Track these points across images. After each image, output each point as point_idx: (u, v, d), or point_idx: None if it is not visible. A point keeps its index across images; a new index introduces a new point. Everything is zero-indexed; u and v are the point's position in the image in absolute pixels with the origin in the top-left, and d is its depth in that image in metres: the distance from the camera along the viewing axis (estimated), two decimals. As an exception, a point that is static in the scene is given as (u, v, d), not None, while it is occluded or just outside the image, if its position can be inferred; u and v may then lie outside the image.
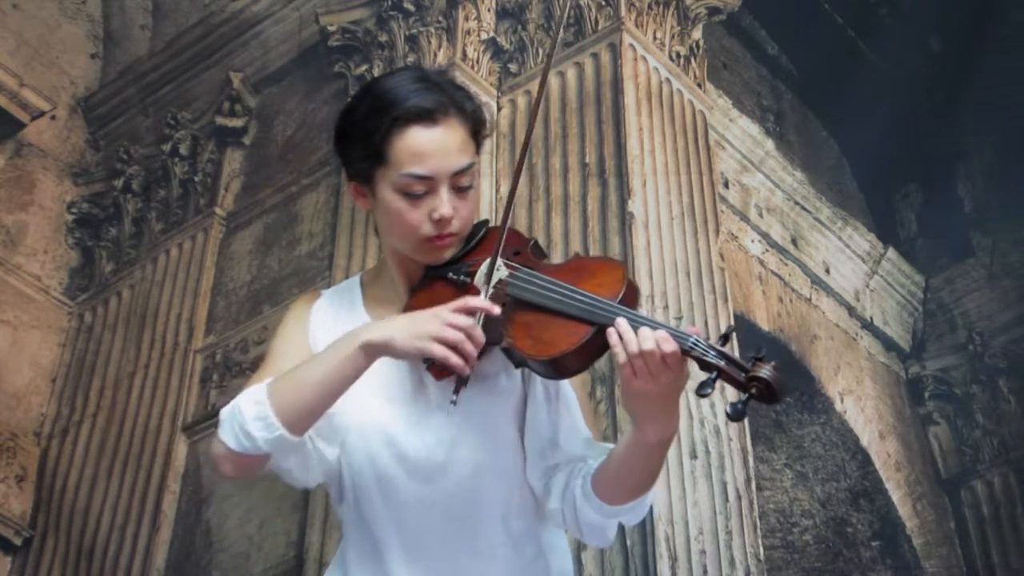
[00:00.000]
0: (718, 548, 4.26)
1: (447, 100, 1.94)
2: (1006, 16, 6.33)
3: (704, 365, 1.76)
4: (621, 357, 1.77)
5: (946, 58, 6.58)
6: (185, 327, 5.53)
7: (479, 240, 2.01)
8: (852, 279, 6.40)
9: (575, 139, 4.99)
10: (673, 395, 1.80)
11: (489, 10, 5.47)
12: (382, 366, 1.99)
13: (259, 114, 6.06)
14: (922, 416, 6.41)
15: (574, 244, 4.70)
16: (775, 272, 5.86)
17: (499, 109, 5.17)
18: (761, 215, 5.91)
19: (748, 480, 4.53)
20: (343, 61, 5.65)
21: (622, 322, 1.78)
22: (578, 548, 3.89)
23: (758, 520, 4.53)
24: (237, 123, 6.02)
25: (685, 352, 1.76)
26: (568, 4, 4.80)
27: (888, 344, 6.50)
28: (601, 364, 1.94)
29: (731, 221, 5.61)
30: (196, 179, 5.97)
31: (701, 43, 5.60)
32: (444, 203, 1.92)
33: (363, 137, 1.94)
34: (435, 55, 5.32)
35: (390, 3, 5.53)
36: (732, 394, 1.79)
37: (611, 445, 1.96)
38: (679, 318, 4.55)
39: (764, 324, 5.57)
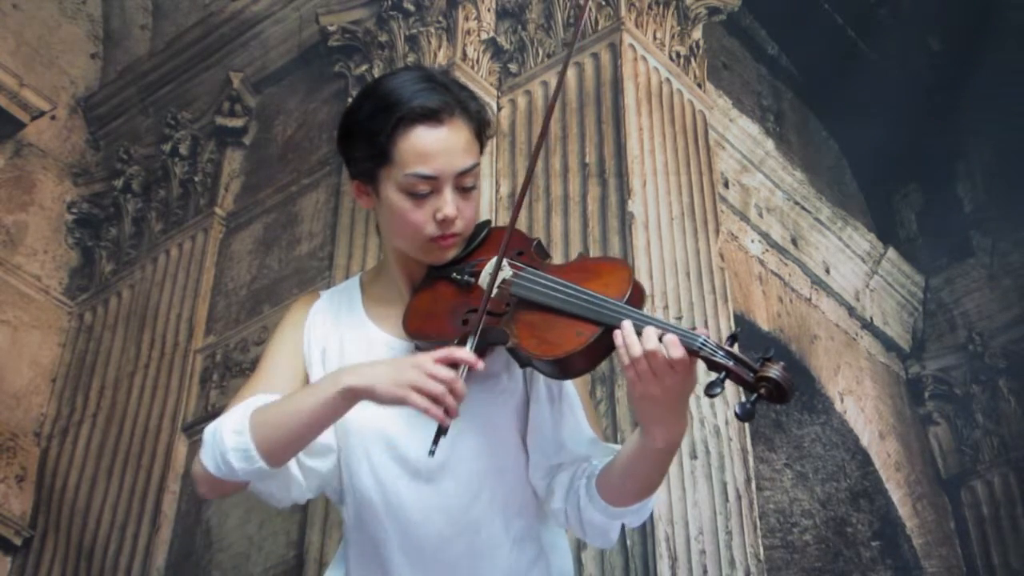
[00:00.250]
0: (718, 548, 4.26)
1: (452, 100, 1.94)
2: (1006, 16, 6.32)
3: (712, 365, 1.76)
4: (624, 360, 1.76)
5: (946, 58, 6.58)
6: (185, 327, 5.53)
7: (482, 240, 2.01)
8: (852, 279, 6.39)
9: (575, 139, 4.99)
10: (681, 399, 1.80)
11: (489, 10, 5.47)
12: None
13: (259, 114, 6.06)
14: (922, 416, 6.41)
15: (574, 244, 4.70)
16: (775, 272, 5.86)
17: (499, 109, 5.17)
18: (761, 215, 5.91)
19: (748, 480, 4.53)
20: (343, 61, 5.65)
21: (626, 324, 1.77)
22: (578, 548, 3.89)
23: (758, 520, 4.53)
24: (237, 123, 6.02)
25: (693, 352, 1.76)
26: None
27: (888, 344, 6.49)
28: (601, 364, 1.93)
29: (731, 221, 5.61)
30: (196, 179, 5.97)
31: (701, 43, 5.60)
32: (448, 203, 1.92)
33: (368, 136, 1.94)
34: (435, 55, 5.32)
35: (390, 3, 5.53)
36: (733, 395, 1.79)
37: (616, 446, 1.95)
38: (679, 318, 4.55)
39: (764, 324, 5.57)
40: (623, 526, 2.01)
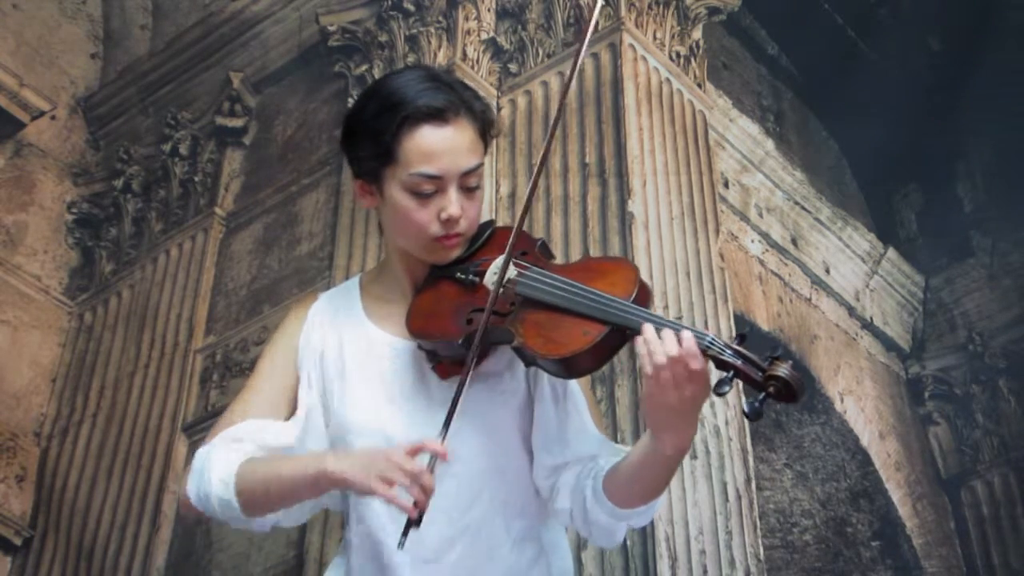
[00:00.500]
0: (718, 548, 4.26)
1: (457, 100, 1.94)
2: (1006, 16, 6.32)
3: (721, 364, 1.76)
4: (648, 369, 1.75)
5: (946, 58, 6.57)
6: (185, 327, 5.53)
7: (485, 240, 2.00)
8: (852, 279, 6.39)
9: (575, 139, 4.98)
10: (695, 407, 1.79)
11: (489, 10, 5.47)
12: (382, 367, 1.99)
13: (259, 114, 6.06)
14: (922, 416, 6.41)
15: (574, 244, 4.70)
16: (775, 272, 5.86)
17: (499, 109, 5.16)
18: (761, 215, 5.91)
19: (748, 480, 4.53)
20: (343, 61, 5.65)
21: (649, 329, 1.76)
22: (578, 548, 3.89)
23: (758, 520, 4.53)
24: (237, 123, 6.02)
25: (702, 351, 1.75)
26: None
27: (888, 344, 6.50)
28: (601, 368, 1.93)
29: (731, 221, 5.61)
30: (196, 179, 5.97)
31: (701, 43, 5.60)
32: (453, 203, 1.92)
33: (372, 135, 1.94)
34: (435, 55, 5.32)
35: (390, 3, 5.53)
36: (733, 396, 1.78)
37: (623, 447, 1.95)
38: (679, 318, 4.55)
39: (764, 324, 5.57)
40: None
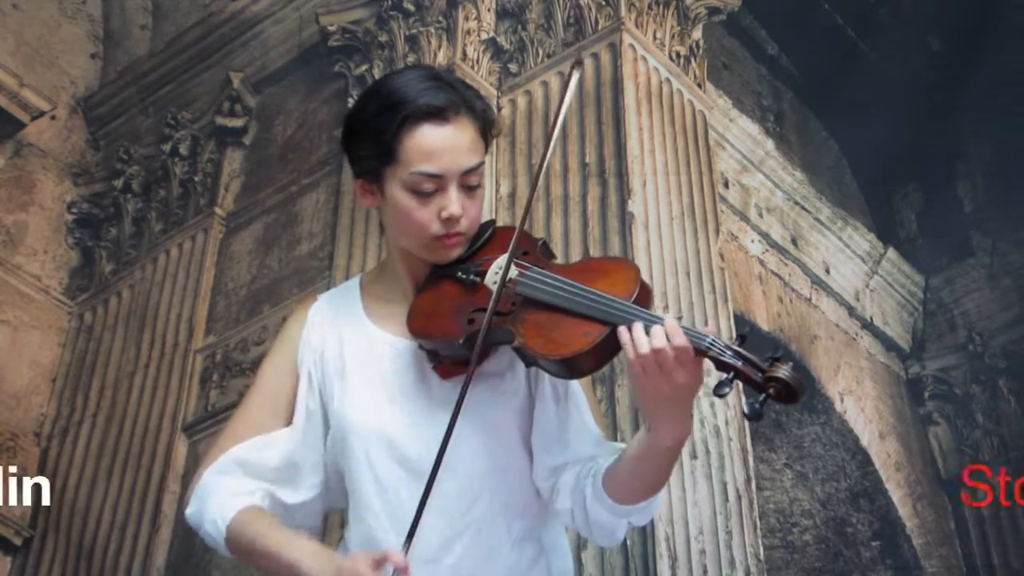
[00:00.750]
0: (718, 548, 4.26)
1: (458, 99, 1.93)
2: (1006, 16, 6.33)
3: (721, 365, 1.75)
4: (631, 355, 1.76)
5: (946, 58, 6.58)
6: (185, 327, 5.53)
7: (486, 240, 2.00)
8: (852, 279, 6.40)
9: (575, 139, 4.98)
10: (687, 396, 1.79)
11: (489, 10, 5.47)
12: (382, 367, 1.99)
13: (259, 114, 6.06)
14: (922, 416, 6.41)
15: (574, 244, 4.70)
16: (775, 272, 5.86)
17: (499, 109, 5.16)
18: (761, 215, 5.91)
19: (748, 480, 4.53)
20: (343, 61, 5.65)
21: (635, 324, 1.78)
22: (578, 548, 3.89)
23: (758, 520, 4.53)
24: (237, 123, 6.02)
25: (702, 352, 1.75)
26: None
27: (888, 344, 6.50)
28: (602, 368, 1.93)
29: (731, 221, 5.61)
30: (196, 179, 5.97)
31: (701, 43, 5.60)
32: (453, 202, 1.91)
33: (373, 135, 1.93)
34: (435, 55, 5.32)
35: (390, 3, 5.53)
36: (733, 396, 1.78)
37: (622, 445, 1.95)
38: (679, 317, 4.53)
39: (764, 324, 5.57)
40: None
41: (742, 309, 5.38)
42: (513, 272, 1.90)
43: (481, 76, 5.26)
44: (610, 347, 1.80)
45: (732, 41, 6.50)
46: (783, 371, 1.72)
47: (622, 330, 1.77)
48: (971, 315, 6.53)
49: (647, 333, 1.76)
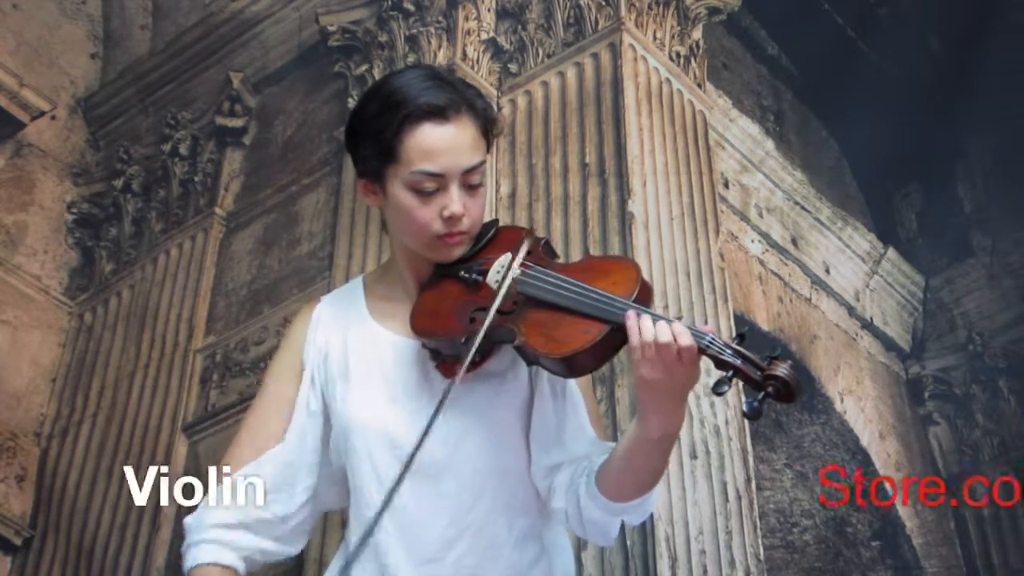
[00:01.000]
0: (718, 548, 4.26)
1: (458, 98, 1.94)
2: (1006, 16, 6.33)
3: (720, 363, 1.76)
4: (635, 341, 1.77)
5: (946, 58, 6.58)
6: (185, 327, 5.53)
7: (489, 239, 2.01)
8: (852, 279, 6.40)
9: (575, 139, 4.98)
10: (683, 391, 1.81)
11: (489, 10, 5.47)
12: (385, 366, 1.99)
13: (259, 114, 6.06)
14: (922, 416, 6.41)
15: (574, 244, 4.70)
16: (775, 272, 5.86)
17: (499, 109, 5.16)
18: (761, 215, 5.91)
19: (748, 480, 4.53)
20: (343, 61, 5.65)
21: (640, 312, 1.79)
22: (578, 548, 3.89)
23: (758, 520, 4.53)
24: (237, 123, 6.02)
25: (701, 350, 1.76)
26: None
27: (888, 344, 6.50)
28: (603, 367, 1.94)
29: (731, 221, 5.61)
30: (196, 179, 5.97)
31: (701, 43, 5.60)
32: (455, 200, 1.92)
33: (374, 134, 1.94)
34: (435, 55, 5.32)
35: (390, 3, 5.53)
36: (733, 396, 1.79)
37: (613, 444, 1.96)
38: (679, 318, 4.53)
39: (764, 324, 5.57)
40: (623, 525, 2.01)
41: (742, 309, 5.38)
42: (515, 271, 1.91)
43: (481, 76, 5.26)
44: (610, 345, 1.82)
45: (732, 41, 6.50)
46: (782, 369, 1.73)
47: (629, 315, 1.78)
48: (971, 315, 6.53)
49: (655, 327, 1.78)
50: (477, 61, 5.32)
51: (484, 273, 1.95)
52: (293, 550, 2.07)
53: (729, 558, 4.26)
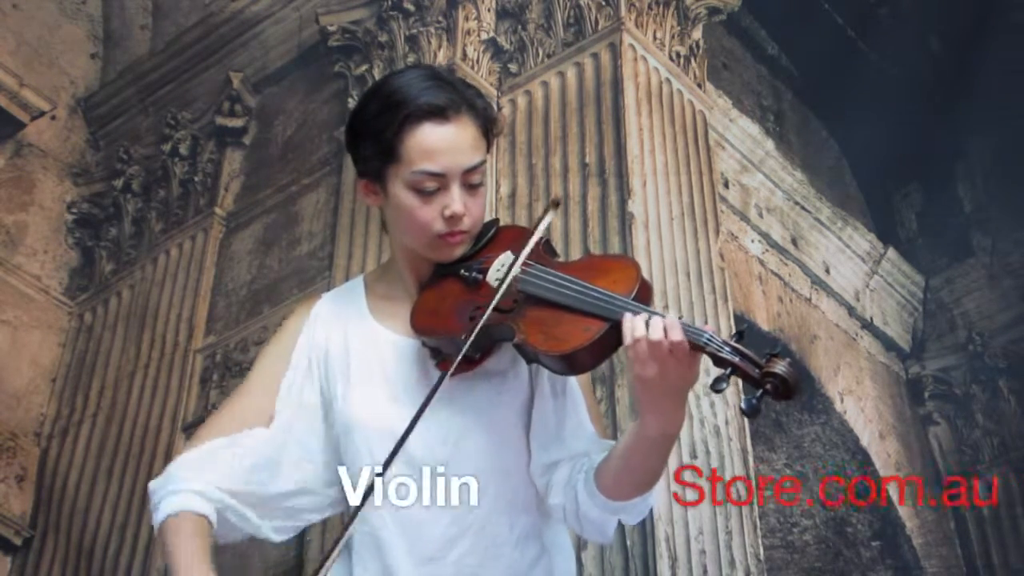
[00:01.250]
0: (718, 548, 4.26)
1: (458, 98, 1.94)
2: (1006, 16, 6.33)
3: (718, 361, 1.76)
4: (627, 339, 1.77)
5: (946, 58, 6.58)
6: (185, 327, 5.53)
7: (489, 238, 2.01)
8: (852, 279, 6.40)
9: (575, 139, 4.98)
10: (680, 389, 1.80)
11: (489, 10, 5.47)
12: (386, 365, 1.99)
13: (259, 114, 6.06)
14: (922, 416, 6.41)
15: (574, 244, 4.70)
16: (775, 272, 5.86)
17: (499, 109, 5.16)
18: (761, 215, 5.91)
19: (748, 480, 4.53)
20: (343, 61, 5.65)
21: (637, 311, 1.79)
22: (578, 548, 3.89)
23: (758, 520, 4.53)
24: (237, 123, 6.02)
25: (699, 348, 1.76)
26: None
27: (888, 344, 6.50)
28: (601, 364, 1.94)
29: (731, 221, 5.61)
30: (196, 179, 5.97)
31: (701, 43, 5.60)
32: (456, 200, 1.92)
33: (375, 134, 1.94)
34: (435, 55, 5.32)
35: (390, 3, 5.53)
36: (733, 395, 1.79)
37: (613, 441, 1.96)
38: (679, 318, 4.54)
39: (764, 324, 5.57)
40: (621, 525, 2.00)
41: (742, 309, 5.38)
42: (516, 269, 1.91)
43: (481, 76, 5.26)
44: (610, 343, 1.82)
45: (732, 41, 6.50)
46: (780, 367, 1.73)
47: (626, 316, 1.78)
48: (971, 315, 6.53)
49: (647, 324, 1.78)
50: (477, 61, 5.32)
51: (484, 272, 1.95)
52: (273, 533, 2.02)
53: (729, 558, 4.26)
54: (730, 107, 5.89)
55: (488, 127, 1.98)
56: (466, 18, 5.39)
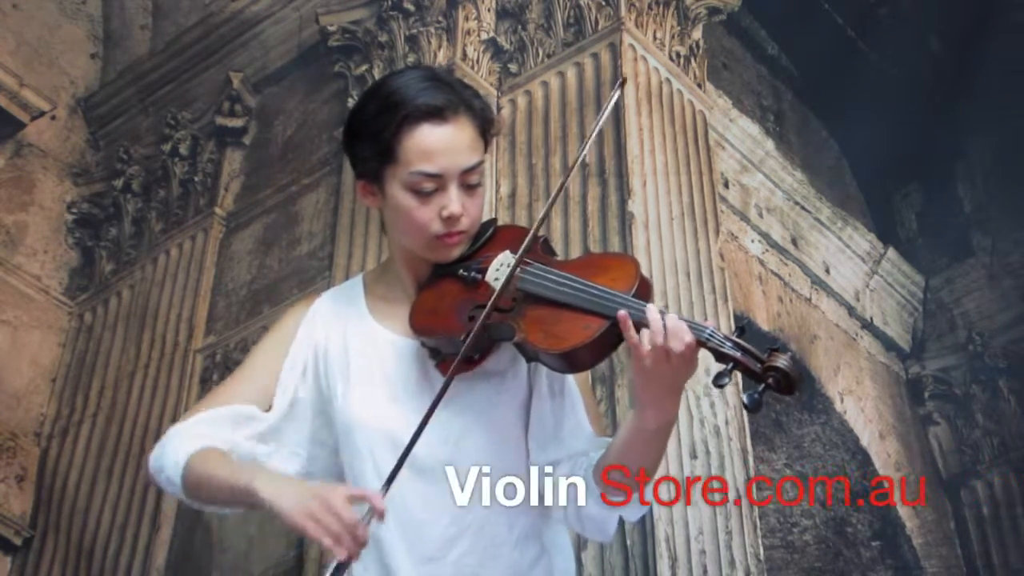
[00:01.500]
0: (718, 548, 4.26)
1: (456, 98, 1.95)
2: (1006, 16, 6.33)
3: (720, 356, 1.77)
4: (633, 336, 1.78)
5: (946, 58, 6.58)
6: (185, 327, 5.53)
7: (488, 238, 2.01)
8: (852, 279, 6.40)
9: (575, 139, 4.98)
10: (679, 382, 1.81)
11: (489, 10, 5.47)
12: (385, 365, 1.99)
13: (259, 114, 6.06)
14: (922, 416, 6.41)
15: (574, 244, 4.70)
16: (775, 272, 5.86)
17: (499, 109, 5.16)
18: (761, 215, 5.91)
19: (748, 480, 4.52)
20: (343, 61, 5.65)
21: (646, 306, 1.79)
22: (578, 547, 3.89)
23: (758, 520, 4.53)
24: (237, 123, 6.02)
25: (701, 343, 1.77)
26: None
27: (888, 344, 6.50)
28: (601, 364, 1.94)
29: (731, 221, 5.61)
30: (196, 179, 5.97)
31: (701, 43, 5.60)
32: (454, 201, 1.93)
33: (373, 135, 1.94)
34: (435, 55, 5.32)
35: (390, 3, 5.53)
36: (733, 394, 1.79)
37: (610, 439, 1.96)
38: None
39: (764, 324, 5.58)
40: (621, 523, 2.01)
41: (742, 309, 5.38)
42: (516, 268, 1.92)
43: (481, 76, 5.26)
44: (610, 341, 1.82)
45: (732, 41, 6.50)
46: (782, 361, 1.74)
47: (649, 307, 1.79)
48: (971, 315, 6.53)
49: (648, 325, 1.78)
50: (477, 61, 5.32)
51: (483, 271, 1.95)
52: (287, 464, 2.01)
53: (729, 558, 4.26)
54: (730, 107, 5.89)
55: (486, 127, 1.98)
56: (466, 18, 5.39)
